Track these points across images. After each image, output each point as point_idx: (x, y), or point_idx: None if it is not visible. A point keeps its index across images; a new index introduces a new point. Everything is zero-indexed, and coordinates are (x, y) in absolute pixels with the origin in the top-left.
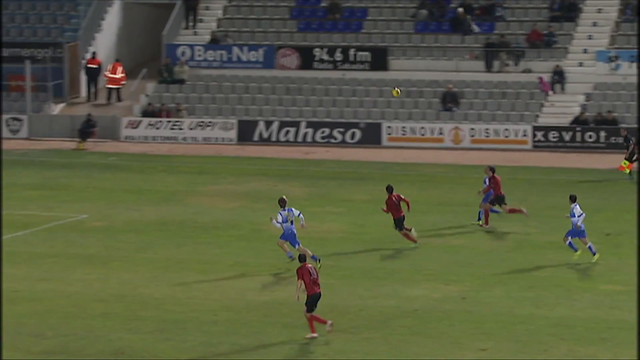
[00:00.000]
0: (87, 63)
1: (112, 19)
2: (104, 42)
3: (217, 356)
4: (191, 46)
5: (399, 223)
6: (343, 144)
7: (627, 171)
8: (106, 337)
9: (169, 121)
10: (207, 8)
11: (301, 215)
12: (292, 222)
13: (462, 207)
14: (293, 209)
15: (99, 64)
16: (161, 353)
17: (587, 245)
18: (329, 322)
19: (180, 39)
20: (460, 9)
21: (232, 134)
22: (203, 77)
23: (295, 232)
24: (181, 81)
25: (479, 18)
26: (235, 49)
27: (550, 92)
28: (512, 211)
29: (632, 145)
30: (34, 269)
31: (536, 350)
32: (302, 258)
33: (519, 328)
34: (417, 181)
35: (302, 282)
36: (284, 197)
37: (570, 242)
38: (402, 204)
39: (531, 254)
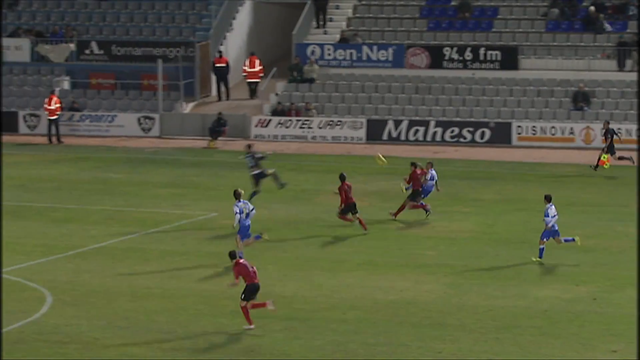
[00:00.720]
0: (214, 62)
1: (242, 19)
2: (235, 42)
3: (347, 355)
4: (321, 45)
5: (351, 208)
6: (472, 143)
7: (607, 165)
8: (236, 335)
9: (299, 120)
10: (337, 7)
11: (254, 211)
12: (247, 215)
13: (593, 207)
14: (248, 202)
15: (226, 63)
16: (290, 351)
17: (563, 239)
18: (268, 302)
19: (310, 38)
20: (592, 8)
21: (361, 133)
22: (332, 76)
23: (249, 225)
24: (311, 80)
25: (612, 17)
26: (365, 48)
27: None
28: (415, 207)
29: (611, 139)
30: (164, 266)
31: None
32: (232, 255)
33: None
34: (547, 181)
35: (241, 278)
36: (239, 189)
37: (543, 247)
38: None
39: None
